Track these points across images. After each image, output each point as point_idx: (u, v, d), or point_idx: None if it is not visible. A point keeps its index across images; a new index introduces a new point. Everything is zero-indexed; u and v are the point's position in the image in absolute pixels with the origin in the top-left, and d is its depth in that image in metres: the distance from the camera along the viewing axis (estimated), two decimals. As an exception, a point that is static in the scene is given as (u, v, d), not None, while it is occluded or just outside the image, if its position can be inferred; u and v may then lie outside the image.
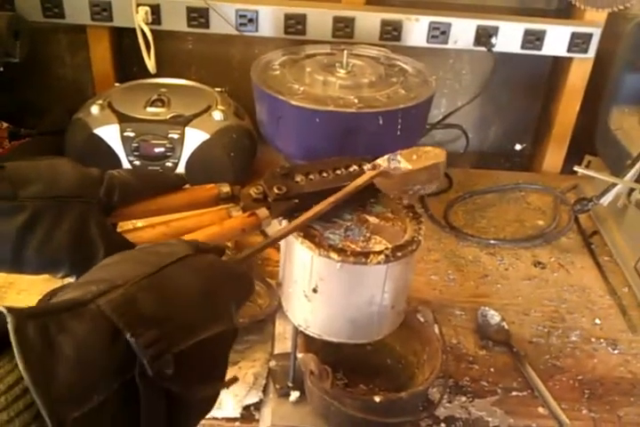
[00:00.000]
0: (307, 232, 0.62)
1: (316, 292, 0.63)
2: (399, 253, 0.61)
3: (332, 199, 0.61)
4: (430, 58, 1.29)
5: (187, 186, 0.66)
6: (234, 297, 0.48)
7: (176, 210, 0.62)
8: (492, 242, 1.12)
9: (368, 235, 0.66)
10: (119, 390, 0.37)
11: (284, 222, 0.64)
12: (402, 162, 0.64)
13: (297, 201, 0.62)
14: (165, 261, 0.45)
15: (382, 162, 0.65)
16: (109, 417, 0.37)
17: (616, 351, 0.90)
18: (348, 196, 0.62)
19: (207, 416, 0.73)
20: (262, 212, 0.62)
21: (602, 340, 0.92)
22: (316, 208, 0.61)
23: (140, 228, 0.59)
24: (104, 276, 0.43)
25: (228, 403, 0.76)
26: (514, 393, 0.82)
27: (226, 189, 0.65)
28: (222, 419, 0.76)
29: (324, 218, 0.66)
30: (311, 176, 0.66)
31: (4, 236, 0.52)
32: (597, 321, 0.96)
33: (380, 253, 0.60)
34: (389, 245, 0.63)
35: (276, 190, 0.62)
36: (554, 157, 1.37)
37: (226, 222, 0.60)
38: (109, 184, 0.58)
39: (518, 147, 1.47)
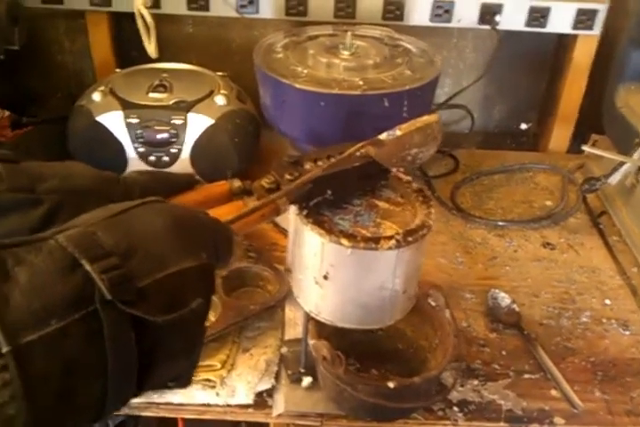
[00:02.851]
0: (316, 218, 0.62)
1: (327, 278, 0.63)
2: (410, 238, 0.60)
3: (324, 166, 0.61)
4: (433, 38, 1.27)
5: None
6: (207, 240, 0.48)
7: None
8: (500, 223, 1.11)
9: (378, 220, 0.66)
10: (84, 320, 0.37)
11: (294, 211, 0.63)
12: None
13: (311, 186, 0.61)
14: (129, 206, 0.45)
15: (382, 137, 0.64)
16: (74, 345, 0.37)
17: (627, 332, 0.90)
18: (340, 164, 0.62)
19: (220, 403, 0.75)
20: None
21: (613, 320, 0.92)
22: (307, 175, 0.61)
23: None
24: (68, 223, 0.43)
25: (241, 390, 0.76)
26: (526, 376, 0.82)
27: (237, 183, 0.65)
28: (235, 406, 0.76)
29: (333, 204, 0.65)
30: (320, 162, 0.65)
31: (22, 229, 0.52)
32: (607, 302, 0.95)
33: (390, 238, 0.60)
34: (400, 230, 0.62)
35: (288, 176, 0.62)
36: (560, 136, 1.35)
37: (244, 209, 0.60)
38: (126, 183, 0.58)
39: (524, 126, 1.46)
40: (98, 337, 0.38)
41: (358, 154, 0.64)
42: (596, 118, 1.24)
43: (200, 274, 0.45)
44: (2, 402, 0.34)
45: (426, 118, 0.65)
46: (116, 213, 0.44)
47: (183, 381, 0.48)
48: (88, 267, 0.38)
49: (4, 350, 0.34)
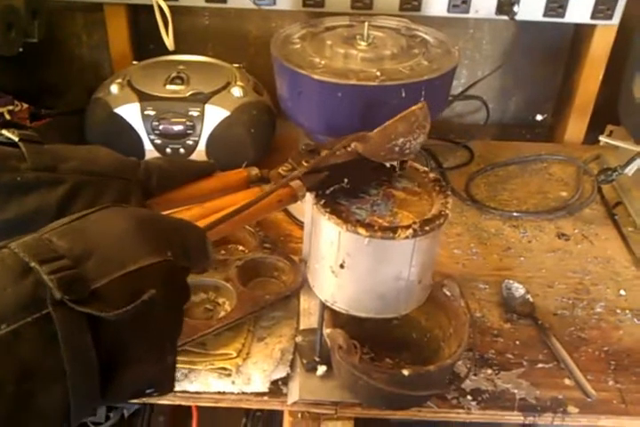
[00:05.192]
0: (333, 207, 0.63)
1: (344, 267, 0.64)
2: (427, 228, 0.61)
3: (310, 165, 0.62)
4: (449, 28, 1.27)
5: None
6: (172, 239, 0.47)
7: (208, 195, 0.62)
8: (514, 214, 1.11)
9: (395, 209, 0.66)
10: (38, 323, 0.38)
11: (310, 199, 0.64)
12: None
13: (327, 173, 0.62)
14: (88, 211, 0.46)
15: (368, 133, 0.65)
16: (29, 349, 0.37)
17: (642, 323, 0.90)
18: (323, 162, 0.63)
19: (236, 391, 0.76)
20: (296, 183, 0.62)
21: (627, 311, 0.92)
22: (318, 158, 0.62)
23: (177, 210, 0.60)
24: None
25: (257, 378, 0.77)
26: (540, 365, 0.83)
27: (255, 171, 0.66)
28: (251, 394, 0.77)
29: (350, 193, 0.66)
30: (337, 152, 0.65)
31: (44, 207, 0.53)
32: (622, 292, 0.95)
33: (407, 227, 0.60)
34: (417, 220, 0.62)
35: (305, 164, 0.62)
36: (576, 127, 1.35)
37: (260, 193, 0.60)
38: (147, 168, 0.59)
39: (539, 117, 1.45)
40: (54, 340, 0.38)
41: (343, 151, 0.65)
42: (611, 109, 1.23)
43: (163, 271, 0.44)
44: None
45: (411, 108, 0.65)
46: (74, 218, 0.45)
47: (163, 387, 0.46)
48: (38, 268, 0.39)
49: None
